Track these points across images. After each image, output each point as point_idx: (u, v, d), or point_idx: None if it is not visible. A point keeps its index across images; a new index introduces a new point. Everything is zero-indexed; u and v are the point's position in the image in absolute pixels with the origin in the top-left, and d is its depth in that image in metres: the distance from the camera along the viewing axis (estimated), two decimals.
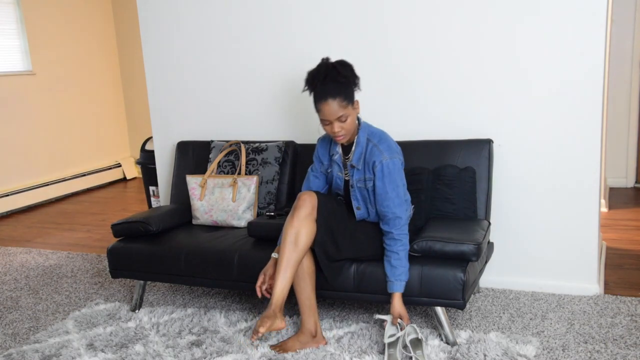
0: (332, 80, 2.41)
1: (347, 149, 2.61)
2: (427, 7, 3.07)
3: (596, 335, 2.62)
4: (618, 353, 2.45)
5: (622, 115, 5.29)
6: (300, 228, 2.41)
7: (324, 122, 2.46)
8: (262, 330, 2.32)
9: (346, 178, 2.63)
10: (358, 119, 2.56)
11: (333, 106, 2.40)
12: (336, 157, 2.63)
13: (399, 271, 2.47)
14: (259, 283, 2.52)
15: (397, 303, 2.48)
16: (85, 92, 6.62)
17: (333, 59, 2.50)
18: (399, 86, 3.15)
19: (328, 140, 2.69)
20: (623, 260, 3.53)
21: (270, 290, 2.49)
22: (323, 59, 2.50)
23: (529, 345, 2.51)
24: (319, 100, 2.43)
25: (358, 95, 2.52)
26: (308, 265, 2.49)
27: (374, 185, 2.52)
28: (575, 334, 2.63)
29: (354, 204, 2.61)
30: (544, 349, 2.51)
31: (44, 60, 6.10)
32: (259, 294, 2.52)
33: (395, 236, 2.48)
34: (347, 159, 2.59)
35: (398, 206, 2.49)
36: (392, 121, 3.10)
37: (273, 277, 2.48)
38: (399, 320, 2.47)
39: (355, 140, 2.55)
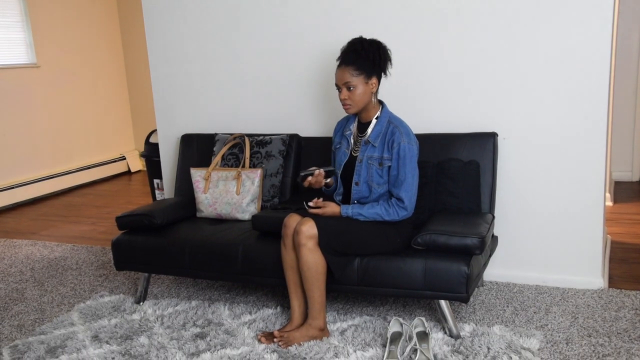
0: (353, 51, 2.56)
1: (363, 128, 2.67)
2: (433, 1, 3.05)
3: (600, 328, 2.61)
4: (622, 346, 2.45)
5: (627, 108, 5.26)
6: (286, 256, 2.59)
7: (337, 87, 2.60)
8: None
9: (354, 154, 2.67)
10: (381, 102, 2.66)
11: (344, 72, 2.55)
12: (347, 133, 2.73)
13: (359, 210, 2.58)
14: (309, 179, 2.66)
15: (333, 207, 2.61)
16: (90, 84, 6.62)
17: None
18: (403, 79, 3.14)
19: (345, 119, 2.80)
20: (628, 254, 3.52)
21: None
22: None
23: (533, 338, 2.51)
24: (337, 66, 2.59)
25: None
26: (321, 264, 2.50)
27: (390, 166, 2.58)
28: (579, 328, 2.63)
29: (355, 178, 2.64)
30: (547, 343, 2.51)
31: (48, 53, 6.10)
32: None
33: (388, 201, 2.59)
34: (362, 136, 2.65)
35: (404, 191, 2.55)
36: (396, 114, 3.08)
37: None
38: (400, 320, 2.49)
39: (374, 119, 2.64)
